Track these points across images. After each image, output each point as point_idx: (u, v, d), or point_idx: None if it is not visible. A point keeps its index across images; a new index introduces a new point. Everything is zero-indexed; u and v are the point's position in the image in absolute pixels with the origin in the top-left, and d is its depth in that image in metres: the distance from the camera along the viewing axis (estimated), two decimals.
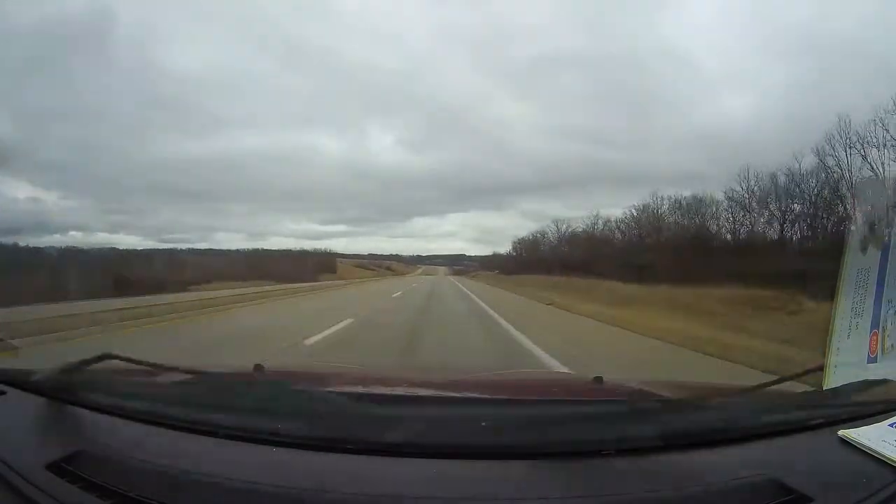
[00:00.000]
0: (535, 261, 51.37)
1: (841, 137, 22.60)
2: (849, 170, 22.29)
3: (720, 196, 29.30)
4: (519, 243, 64.95)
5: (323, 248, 78.58)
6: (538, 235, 55.32)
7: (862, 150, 21.74)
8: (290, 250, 65.50)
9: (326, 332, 9.39)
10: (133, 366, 1.12)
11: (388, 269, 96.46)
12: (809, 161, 24.17)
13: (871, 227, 1.30)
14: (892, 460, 0.83)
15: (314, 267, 54.11)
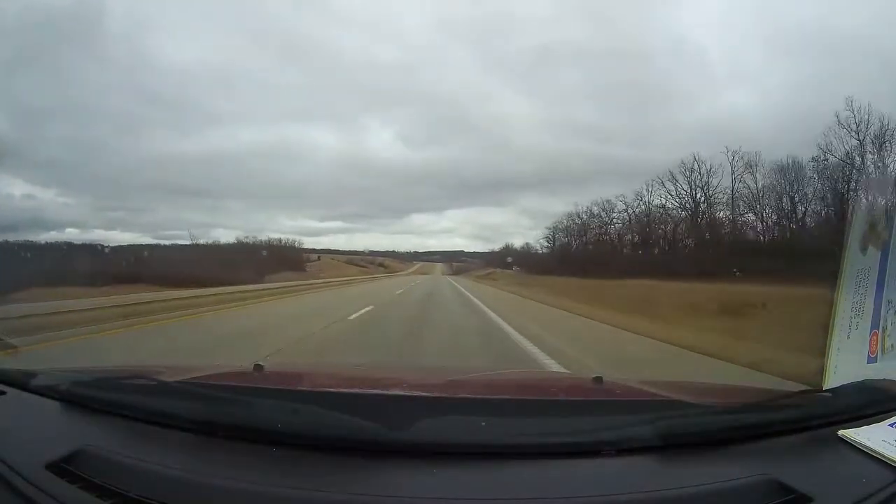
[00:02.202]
0: (594, 255, 32.73)
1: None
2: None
3: None
4: (556, 230, 44.51)
5: (289, 239, 59.82)
6: (603, 213, 35.52)
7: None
8: (241, 243, 49.64)
9: None
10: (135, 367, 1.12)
11: (381, 265, 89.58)
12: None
13: (872, 227, 1.30)
14: (892, 460, 0.83)
15: (264, 264, 39.98)
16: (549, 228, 46.92)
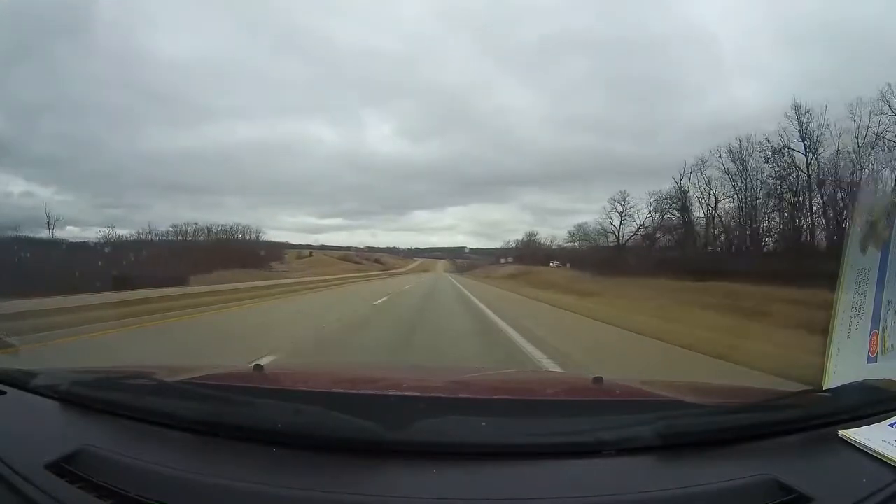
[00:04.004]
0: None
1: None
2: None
3: None
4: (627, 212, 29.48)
5: (250, 228, 46.48)
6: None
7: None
8: (180, 235, 40.03)
9: None
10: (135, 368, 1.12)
11: (377, 261, 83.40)
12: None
13: (872, 226, 1.30)
14: (892, 460, 0.83)
15: (208, 260, 30.58)
16: (613, 202, 29.92)
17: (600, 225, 32.06)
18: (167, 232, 42.01)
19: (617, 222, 30.42)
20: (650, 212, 28.49)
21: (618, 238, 30.09)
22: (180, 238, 42.08)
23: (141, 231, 40.11)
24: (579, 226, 37.30)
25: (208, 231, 43.48)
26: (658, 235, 28.47)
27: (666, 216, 27.58)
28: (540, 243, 47.54)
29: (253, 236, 46.71)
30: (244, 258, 37.89)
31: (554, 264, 39.23)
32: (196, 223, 43.03)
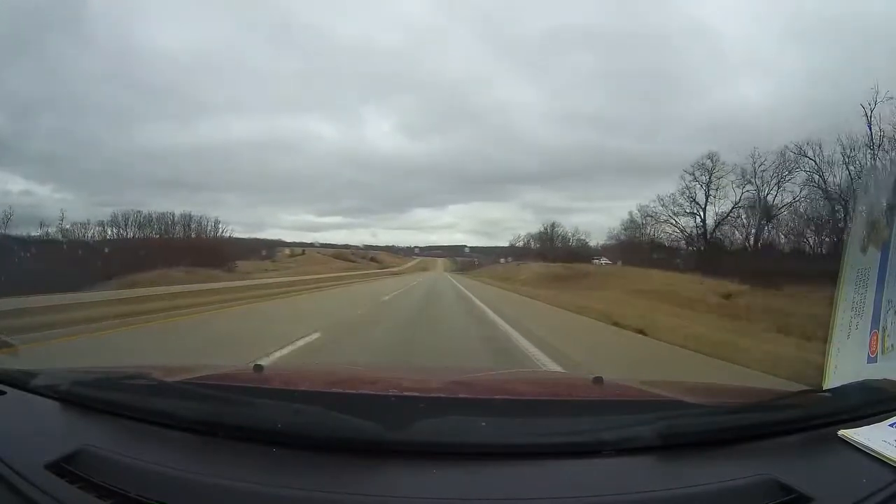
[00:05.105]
0: None
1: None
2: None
3: None
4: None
5: (207, 219, 39.01)
6: None
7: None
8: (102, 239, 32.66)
9: None
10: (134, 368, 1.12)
11: (373, 260, 78.15)
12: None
13: (872, 226, 1.30)
14: (892, 460, 0.83)
15: (144, 257, 25.44)
16: (697, 169, 21.21)
17: (679, 205, 22.29)
18: (105, 222, 36.24)
19: (702, 198, 21.40)
20: (753, 179, 18.59)
21: (703, 221, 21.50)
22: (119, 231, 36.10)
23: (73, 223, 33.82)
24: (657, 198, 26.39)
25: (152, 221, 37.45)
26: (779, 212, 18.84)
27: (788, 181, 19.10)
28: (567, 240, 39.50)
29: (211, 229, 39.53)
30: (197, 256, 30.46)
31: (600, 261, 30.81)
32: (140, 211, 37.46)
